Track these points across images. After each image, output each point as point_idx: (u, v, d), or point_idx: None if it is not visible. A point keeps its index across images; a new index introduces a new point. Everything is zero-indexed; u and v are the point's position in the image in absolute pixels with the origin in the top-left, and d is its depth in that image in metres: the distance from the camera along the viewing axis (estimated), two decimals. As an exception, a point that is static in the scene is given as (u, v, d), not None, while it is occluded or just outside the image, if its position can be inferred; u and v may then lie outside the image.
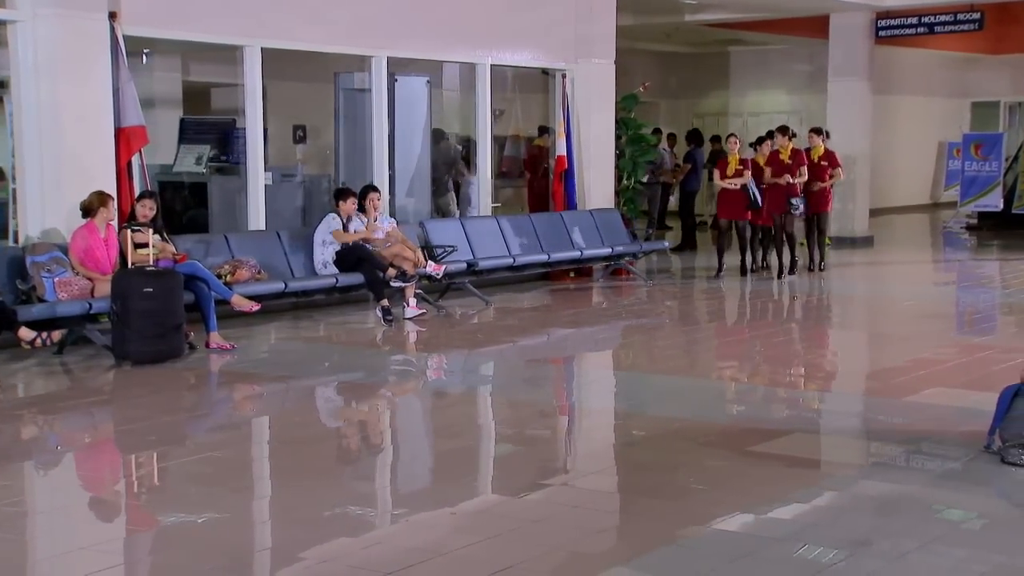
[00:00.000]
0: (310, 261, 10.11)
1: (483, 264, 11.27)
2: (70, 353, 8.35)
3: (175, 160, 12.21)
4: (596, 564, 4.39)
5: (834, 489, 5.29)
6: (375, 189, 10.60)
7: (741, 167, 12.84)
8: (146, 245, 8.42)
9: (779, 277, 12.91)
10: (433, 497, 5.36)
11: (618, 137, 13.99)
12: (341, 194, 10.25)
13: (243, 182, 10.82)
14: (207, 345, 8.54)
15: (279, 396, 7.64)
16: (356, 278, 9.95)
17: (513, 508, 5.08)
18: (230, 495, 5.25)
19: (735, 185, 12.82)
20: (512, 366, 8.76)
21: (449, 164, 13.75)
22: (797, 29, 19.10)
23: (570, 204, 13.07)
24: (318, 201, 12.24)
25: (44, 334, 7.68)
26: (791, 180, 12.90)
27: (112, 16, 9.06)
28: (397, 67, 11.88)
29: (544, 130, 14.41)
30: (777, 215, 12.99)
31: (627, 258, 13.23)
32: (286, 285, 9.62)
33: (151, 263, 8.34)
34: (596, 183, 13.39)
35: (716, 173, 13.15)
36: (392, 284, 9.94)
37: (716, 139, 18.08)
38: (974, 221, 19.81)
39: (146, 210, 8.80)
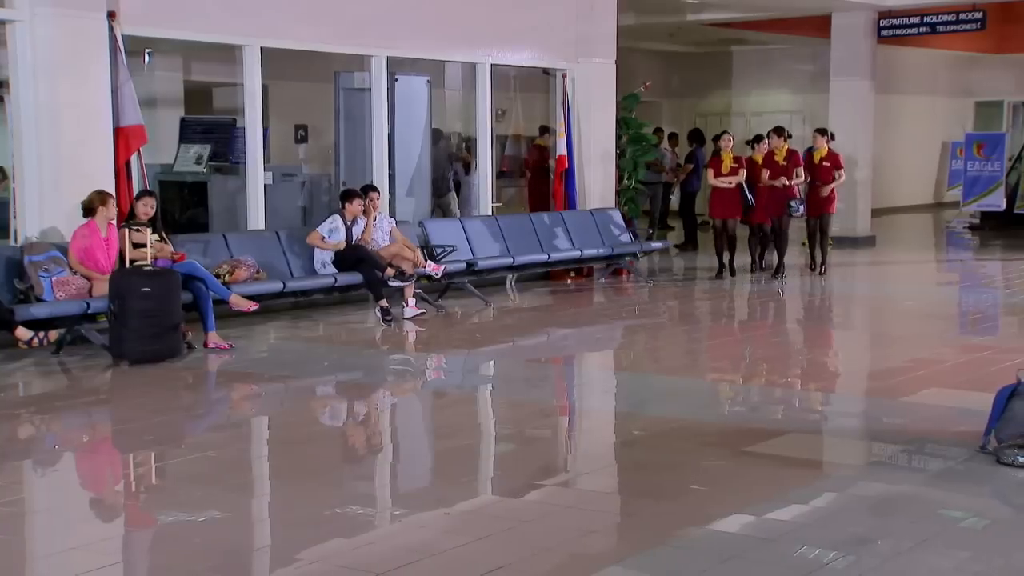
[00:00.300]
0: (309, 261, 10.11)
1: (482, 264, 11.26)
2: (68, 353, 8.35)
3: (175, 159, 12.21)
4: (589, 564, 4.37)
5: (830, 489, 5.28)
6: (374, 189, 10.60)
7: (735, 166, 12.77)
8: (144, 244, 8.42)
9: (775, 277, 12.81)
10: (428, 497, 5.36)
11: (619, 137, 13.97)
12: (347, 196, 10.24)
13: (243, 182, 10.83)
14: (205, 345, 8.54)
15: (277, 396, 7.64)
16: (355, 278, 9.94)
17: (507, 508, 5.07)
18: (226, 495, 5.24)
19: (729, 184, 12.75)
20: (511, 366, 8.75)
21: (448, 164, 13.75)
22: (799, 29, 19.07)
23: (571, 204, 13.06)
24: (318, 201, 12.25)
25: (41, 334, 7.69)
26: (787, 182, 12.73)
27: (111, 16, 9.06)
28: (398, 67, 11.88)
29: (545, 130, 14.40)
30: (774, 217, 12.86)
31: (627, 258, 13.22)
32: (285, 285, 9.62)
33: (149, 263, 8.34)
34: (597, 183, 13.38)
35: (710, 172, 13.05)
36: (390, 284, 9.94)
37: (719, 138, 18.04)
38: (977, 221, 19.77)
39: (146, 209, 8.80)
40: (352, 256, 9.94)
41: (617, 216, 13.36)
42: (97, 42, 8.95)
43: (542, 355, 9.28)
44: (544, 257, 12.09)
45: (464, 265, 11.04)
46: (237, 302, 8.83)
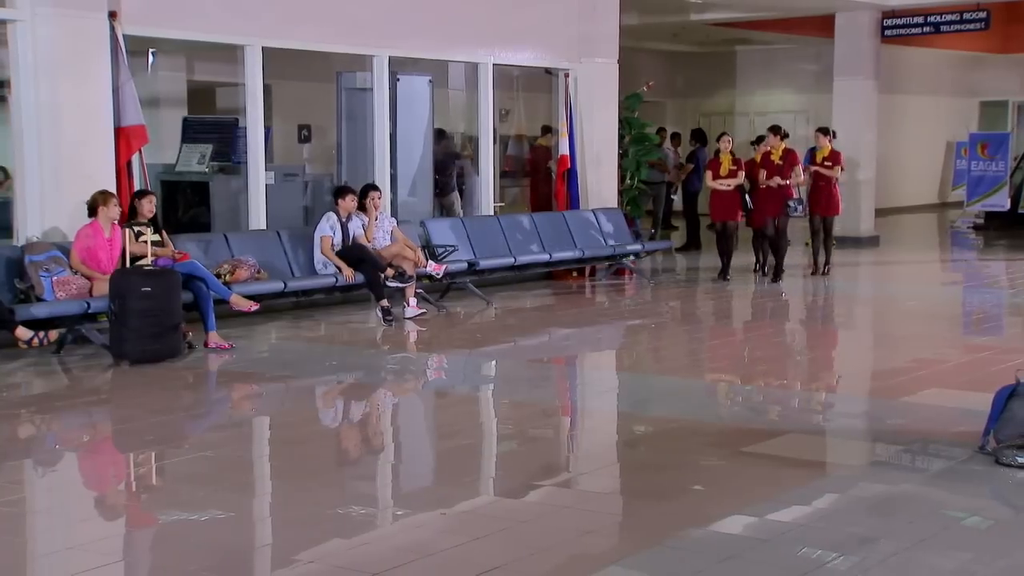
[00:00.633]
0: (311, 260, 10.11)
1: (484, 264, 11.26)
2: (68, 352, 8.36)
3: (177, 159, 12.22)
4: (586, 565, 4.37)
5: (830, 489, 5.28)
6: (376, 188, 10.60)
7: (735, 168, 12.65)
8: (145, 244, 8.42)
9: (774, 280, 12.66)
10: (425, 497, 5.36)
11: (621, 137, 13.96)
12: (340, 192, 10.24)
13: (245, 181, 10.83)
14: (206, 345, 8.55)
15: (278, 396, 7.64)
16: (356, 277, 9.93)
17: (504, 508, 5.07)
18: (224, 495, 5.24)
19: (728, 186, 12.64)
20: (512, 366, 8.74)
21: (451, 163, 13.75)
22: (803, 28, 19.05)
23: (573, 204, 13.05)
24: (320, 201, 12.24)
25: (41, 334, 7.69)
26: (781, 182, 12.54)
27: (112, 15, 9.07)
28: (400, 67, 11.88)
29: (547, 129, 14.39)
30: (770, 218, 12.66)
31: (630, 258, 13.21)
32: (286, 285, 9.62)
33: (150, 262, 8.35)
34: (599, 183, 13.36)
35: (708, 174, 12.92)
36: (390, 284, 9.93)
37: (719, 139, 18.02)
38: (981, 221, 19.73)
39: (146, 208, 8.81)
40: (353, 256, 9.94)
41: (619, 216, 13.35)
42: (98, 42, 8.96)
43: (543, 355, 9.28)
44: (546, 257, 12.08)
45: (465, 265, 11.03)
46: (238, 302, 8.84)
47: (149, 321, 7.98)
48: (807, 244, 13.91)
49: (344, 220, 10.09)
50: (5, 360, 8.08)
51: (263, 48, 10.39)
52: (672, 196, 17.47)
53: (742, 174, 12.64)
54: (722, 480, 5.48)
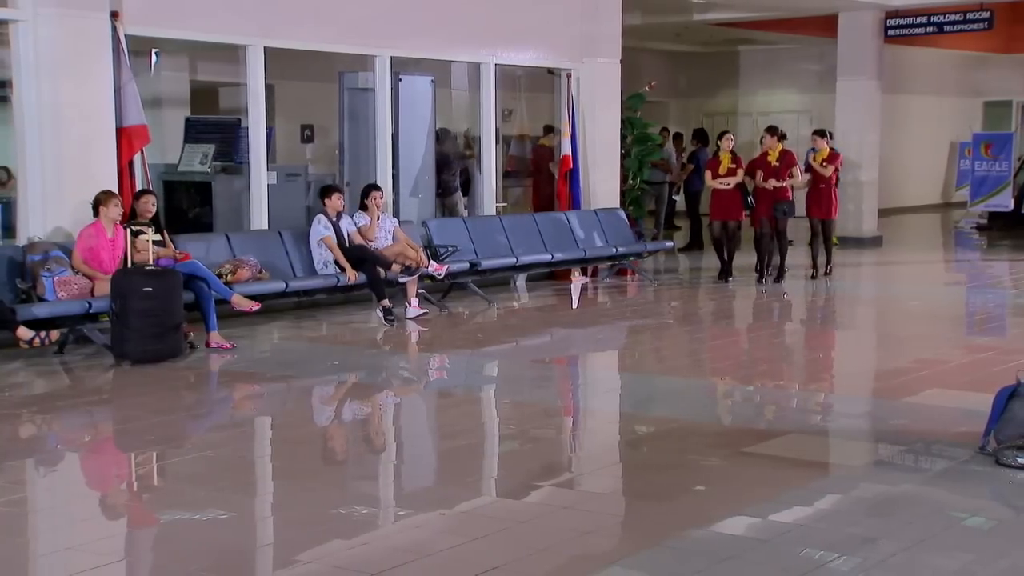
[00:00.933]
0: (312, 261, 10.10)
1: (486, 264, 11.25)
2: (70, 352, 8.36)
3: (180, 159, 12.23)
4: (585, 565, 4.37)
5: (831, 489, 5.27)
6: (377, 188, 10.60)
7: (734, 166, 12.59)
8: (147, 244, 8.43)
9: (776, 281, 12.56)
10: (425, 497, 5.35)
11: (624, 137, 13.95)
12: (326, 191, 10.22)
13: (247, 181, 10.83)
14: (207, 344, 8.55)
15: (279, 396, 7.64)
16: (358, 278, 9.92)
17: (504, 509, 5.07)
18: (225, 495, 5.24)
19: (727, 185, 12.58)
20: (514, 366, 8.73)
21: (454, 164, 13.74)
22: (806, 28, 19.04)
23: (575, 204, 13.05)
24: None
25: (42, 334, 7.69)
26: (776, 184, 12.39)
27: (114, 15, 9.07)
28: (403, 67, 11.88)
29: (549, 129, 14.39)
30: (764, 219, 12.52)
31: (632, 258, 13.20)
32: (287, 285, 9.62)
33: (151, 262, 8.35)
34: (601, 183, 13.35)
35: (707, 174, 12.85)
36: (400, 280, 9.92)
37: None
38: (984, 221, 19.71)
39: (147, 207, 8.82)
40: (355, 256, 9.94)
41: (621, 216, 13.34)
42: (100, 42, 8.96)
43: (545, 355, 9.27)
44: (548, 257, 12.07)
45: (467, 265, 11.03)
46: (239, 302, 8.83)
47: (150, 321, 7.99)
48: (809, 245, 13.87)
49: (334, 219, 10.08)
50: (6, 360, 8.08)
51: (265, 48, 10.39)
52: (674, 197, 17.46)
53: (741, 172, 12.58)
54: (723, 480, 5.48)
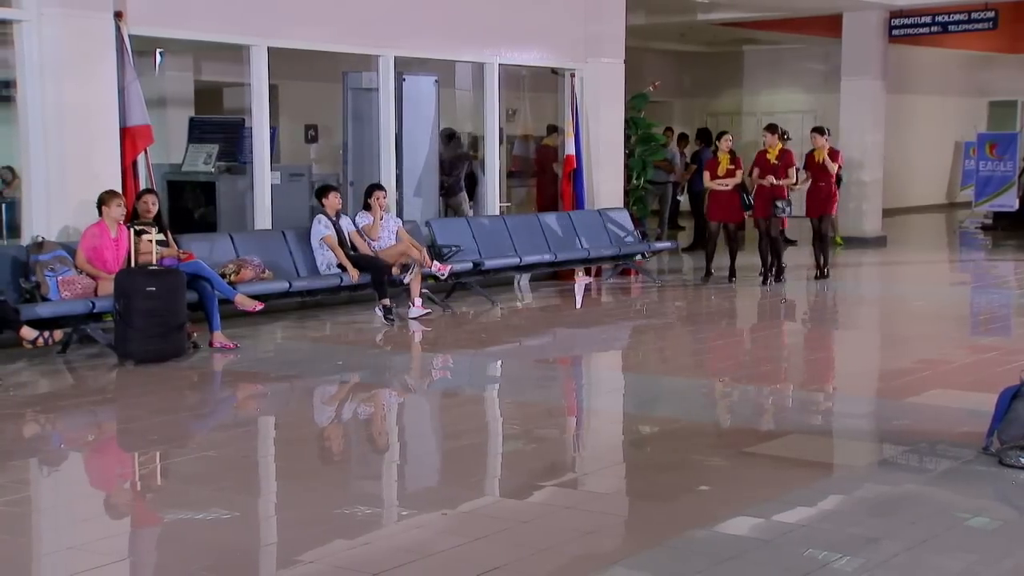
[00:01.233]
0: (315, 261, 10.10)
1: (489, 264, 11.24)
2: (73, 352, 8.37)
3: (184, 159, 12.24)
4: (587, 565, 4.36)
5: (833, 490, 5.27)
6: (381, 188, 10.60)
7: (732, 167, 12.52)
8: (150, 243, 8.44)
9: (763, 283, 12.42)
10: (428, 497, 5.35)
11: (628, 137, 13.94)
12: (323, 191, 10.22)
13: (251, 181, 10.84)
14: (210, 344, 8.56)
15: (283, 395, 7.64)
16: (362, 277, 9.93)
17: (506, 509, 5.07)
18: (228, 494, 5.24)
19: (726, 186, 12.51)
20: (517, 366, 8.73)
21: (459, 164, 13.75)
22: (811, 28, 19.02)
23: (579, 204, 13.05)
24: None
25: (46, 333, 7.69)
26: (774, 182, 12.29)
27: (118, 15, 9.08)
28: (407, 67, 11.88)
29: (553, 129, 14.39)
30: (762, 219, 12.46)
31: (635, 258, 13.19)
32: (290, 284, 9.62)
33: (154, 262, 8.36)
34: (605, 183, 13.35)
35: (706, 174, 12.78)
36: (404, 281, 9.92)
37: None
38: (989, 221, 19.68)
39: (148, 207, 8.83)
40: (357, 263, 9.94)
41: (625, 216, 13.33)
42: (104, 42, 8.98)
43: (548, 355, 9.27)
44: (551, 257, 12.07)
45: (471, 265, 11.02)
46: (242, 302, 8.84)
47: (154, 321, 8.00)
48: (813, 244, 13.78)
49: (333, 219, 10.08)
50: (10, 360, 8.09)
51: (269, 48, 10.40)
52: (678, 197, 17.45)
53: (740, 173, 12.54)
54: (726, 481, 5.47)
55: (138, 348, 7.99)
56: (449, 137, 13.79)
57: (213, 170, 11.93)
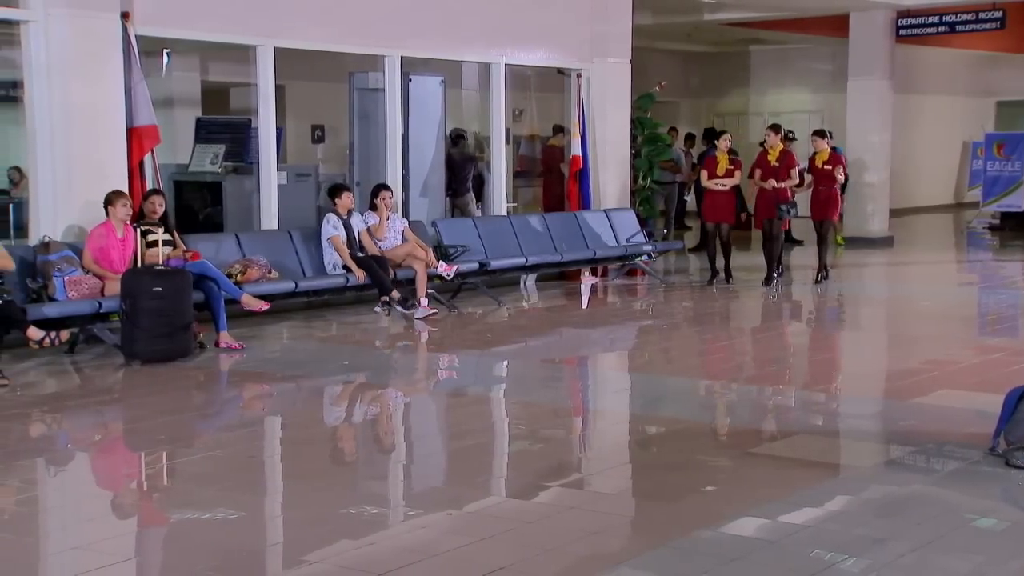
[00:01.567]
0: (322, 261, 10.11)
1: (495, 264, 11.24)
2: (80, 352, 8.39)
3: (190, 160, 12.26)
4: (592, 565, 4.36)
5: (840, 490, 5.26)
6: (387, 188, 10.61)
7: (731, 168, 12.42)
8: (156, 244, 8.45)
9: (766, 284, 12.30)
10: (433, 497, 5.35)
11: (634, 137, 13.93)
12: (336, 191, 10.23)
13: (257, 181, 10.85)
14: (217, 344, 8.57)
15: (289, 395, 7.65)
16: (368, 278, 9.93)
17: (511, 509, 5.07)
18: (233, 495, 5.25)
19: (723, 187, 12.39)
20: (522, 366, 8.74)
21: (465, 164, 13.75)
22: (817, 28, 18.99)
23: (585, 204, 13.04)
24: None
25: (52, 334, 7.70)
26: (776, 185, 12.15)
27: (124, 16, 9.09)
28: (413, 67, 11.89)
29: (559, 129, 14.38)
30: (765, 220, 12.33)
31: (642, 258, 13.18)
32: (297, 285, 9.63)
33: (161, 262, 8.37)
34: (611, 183, 13.35)
35: (704, 174, 12.68)
36: (393, 301, 9.92)
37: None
38: (997, 221, 19.64)
39: (154, 207, 8.84)
40: (363, 266, 9.95)
41: (632, 216, 13.33)
42: (111, 42, 8.99)
43: (554, 355, 9.27)
44: (558, 257, 12.06)
45: (477, 265, 11.02)
46: (249, 302, 8.85)
47: (160, 321, 8.01)
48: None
49: (345, 218, 10.09)
50: (18, 360, 8.09)
51: (275, 48, 10.40)
52: (685, 197, 17.42)
53: (739, 174, 12.47)
54: (732, 481, 5.47)
55: (144, 348, 8.00)
56: (458, 138, 13.79)
57: (220, 170, 11.95)
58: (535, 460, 6.01)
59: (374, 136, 11.87)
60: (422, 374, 8.55)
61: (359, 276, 9.85)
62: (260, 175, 10.68)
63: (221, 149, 12.04)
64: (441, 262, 10.53)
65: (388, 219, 10.41)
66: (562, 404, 7.59)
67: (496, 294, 11.27)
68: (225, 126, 12.87)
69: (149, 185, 9.32)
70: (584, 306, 11.65)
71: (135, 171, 9.21)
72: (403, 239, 10.47)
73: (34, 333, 7.64)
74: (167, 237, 8.66)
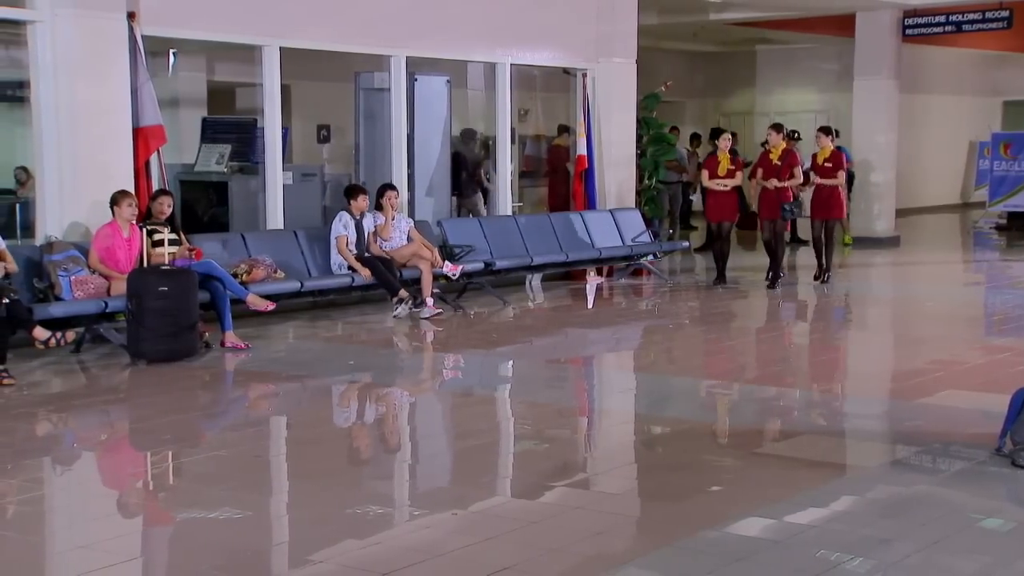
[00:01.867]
0: (328, 260, 10.12)
1: (501, 264, 11.25)
2: (86, 351, 8.40)
3: (196, 159, 12.27)
4: (597, 565, 4.36)
5: (845, 491, 5.25)
6: (392, 188, 10.61)
7: (733, 168, 12.33)
8: (162, 244, 8.46)
9: (771, 286, 12.21)
10: (438, 497, 5.35)
11: (640, 137, 13.93)
12: (352, 191, 10.25)
13: (263, 181, 10.86)
14: (222, 344, 8.58)
15: (294, 395, 7.65)
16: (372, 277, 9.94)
17: (516, 509, 5.06)
18: (239, 494, 5.25)
19: (724, 187, 12.31)
20: (528, 366, 8.73)
21: (476, 164, 13.75)
22: (824, 28, 18.98)
23: (590, 204, 13.04)
24: (338, 200, 12.25)
25: (58, 334, 7.71)
26: (778, 184, 12.02)
27: (131, 16, 9.11)
28: (418, 67, 11.89)
29: (564, 129, 14.38)
30: (767, 221, 12.29)
31: (647, 258, 13.17)
32: (302, 284, 9.64)
33: (167, 262, 8.38)
34: (617, 183, 13.34)
35: (704, 173, 12.61)
36: (395, 308, 9.92)
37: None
38: (1003, 221, 19.60)
39: (162, 208, 8.85)
40: (371, 263, 9.96)
41: (637, 216, 13.32)
42: (117, 42, 9.00)
43: (559, 355, 9.26)
44: (563, 257, 12.06)
45: (482, 265, 11.03)
46: (254, 301, 8.86)
47: (166, 320, 8.02)
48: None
49: (358, 219, 10.11)
50: (24, 359, 8.11)
51: (281, 48, 10.41)
52: (691, 197, 17.40)
53: (740, 175, 12.42)
54: (737, 481, 5.46)
55: (150, 348, 8.01)
56: (469, 138, 13.79)
57: (225, 170, 11.96)
58: (540, 460, 6.01)
59: (380, 136, 11.88)
60: (427, 374, 8.55)
61: (364, 275, 9.85)
62: (266, 175, 10.69)
63: (227, 149, 12.05)
64: (447, 262, 10.54)
65: (394, 219, 10.42)
66: (567, 404, 7.58)
67: (501, 294, 11.27)
68: (231, 126, 12.89)
69: (155, 185, 9.33)
70: (589, 306, 11.65)
71: (141, 171, 9.23)
72: (409, 239, 10.47)
73: (40, 333, 7.65)
74: (173, 237, 8.67)
